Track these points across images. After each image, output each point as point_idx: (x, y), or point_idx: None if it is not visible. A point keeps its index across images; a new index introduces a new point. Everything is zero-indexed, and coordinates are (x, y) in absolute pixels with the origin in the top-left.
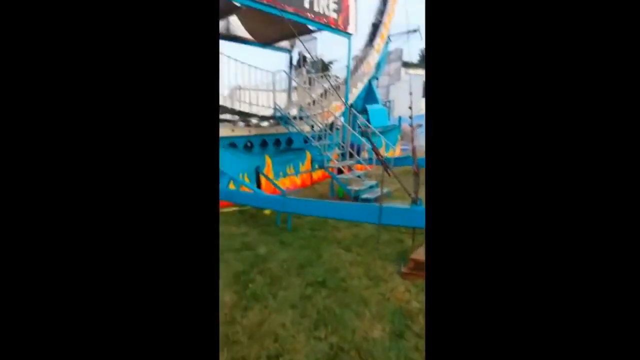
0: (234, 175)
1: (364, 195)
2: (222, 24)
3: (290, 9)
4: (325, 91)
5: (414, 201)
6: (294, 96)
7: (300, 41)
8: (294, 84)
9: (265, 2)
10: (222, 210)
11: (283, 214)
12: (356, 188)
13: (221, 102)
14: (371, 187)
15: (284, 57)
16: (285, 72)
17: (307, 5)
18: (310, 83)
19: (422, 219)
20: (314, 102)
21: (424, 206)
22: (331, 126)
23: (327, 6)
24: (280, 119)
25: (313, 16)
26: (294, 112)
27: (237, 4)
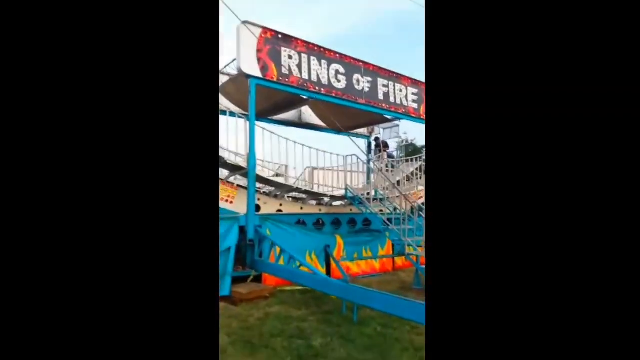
0: (293, 253)
1: None
2: (294, 113)
3: (362, 101)
4: (408, 176)
5: None
6: (372, 178)
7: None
8: (372, 166)
9: (333, 94)
10: (284, 288)
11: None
12: None
13: (291, 183)
14: None
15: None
16: (356, 156)
17: (381, 97)
18: (392, 166)
19: None
20: (394, 184)
21: None
22: (412, 210)
23: (406, 97)
24: (351, 199)
25: (388, 106)
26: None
27: (304, 97)
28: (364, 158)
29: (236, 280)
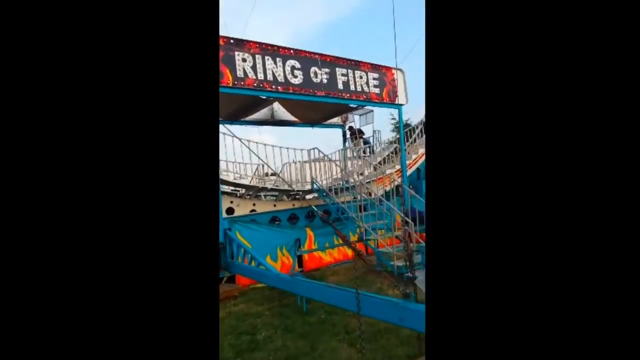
0: (264, 251)
1: (408, 273)
2: (265, 111)
3: (321, 93)
4: (383, 160)
5: (405, 295)
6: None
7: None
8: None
9: (290, 91)
10: (256, 285)
11: None
12: (399, 264)
13: (254, 183)
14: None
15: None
16: (317, 149)
17: (340, 86)
18: (372, 151)
19: (412, 318)
20: (347, 173)
21: (414, 303)
22: (380, 196)
23: (367, 83)
24: (317, 191)
25: (349, 95)
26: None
27: (263, 97)
28: (331, 150)
29: None
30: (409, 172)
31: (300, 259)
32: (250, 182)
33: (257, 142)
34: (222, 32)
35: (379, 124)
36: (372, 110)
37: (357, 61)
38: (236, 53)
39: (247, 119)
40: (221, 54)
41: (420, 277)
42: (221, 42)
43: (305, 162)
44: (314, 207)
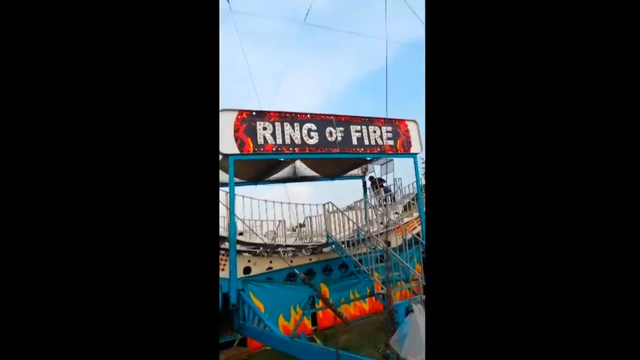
0: (277, 310)
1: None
2: (288, 169)
3: (335, 150)
4: (404, 207)
5: (385, 356)
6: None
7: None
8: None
9: (307, 151)
10: (265, 348)
11: None
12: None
13: (269, 241)
14: None
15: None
16: (331, 203)
17: (355, 142)
18: (393, 199)
19: None
20: (357, 225)
21: None
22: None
23: (380, 137)
24: (331, 245)
25: (363, 149)
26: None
27: (281, 159)
28: (343, 203)
29: (225, 346)
30: None
31: (314, 317)
32: (271, 239)
33: (274, 201)
34: (253, 103)
35: (405, 169)
36: (392, 160)
37: (371, 117)
38: (257, 123)
39: (271, 178)
40: (244, 126)
41: (395, 337)
42: (244, 115)
43: (331, 212)
44: (295, 270)
